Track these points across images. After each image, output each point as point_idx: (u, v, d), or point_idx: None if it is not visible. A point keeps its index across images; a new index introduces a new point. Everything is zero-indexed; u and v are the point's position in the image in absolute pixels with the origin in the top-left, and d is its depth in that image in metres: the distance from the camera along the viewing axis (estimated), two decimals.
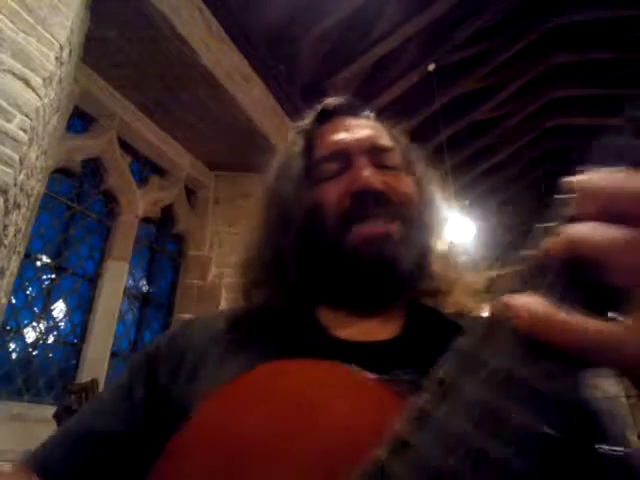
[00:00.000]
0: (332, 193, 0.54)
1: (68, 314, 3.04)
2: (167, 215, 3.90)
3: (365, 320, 0.53)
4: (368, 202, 0.52)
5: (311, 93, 4.04)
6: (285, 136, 3.84)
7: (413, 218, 0.54)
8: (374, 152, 0.57)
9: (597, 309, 0.22)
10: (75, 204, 3.16)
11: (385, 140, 0.60)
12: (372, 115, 0.65)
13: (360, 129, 0.60)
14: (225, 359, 0.49)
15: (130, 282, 3.47)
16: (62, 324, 3.01)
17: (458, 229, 3.98)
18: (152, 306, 3.71)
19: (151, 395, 0.49)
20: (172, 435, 0.37)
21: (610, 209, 0.23)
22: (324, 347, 0.47)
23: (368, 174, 0.53)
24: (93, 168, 3.36)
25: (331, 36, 3.81)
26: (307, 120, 0.64)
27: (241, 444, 0.34)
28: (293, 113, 3.87)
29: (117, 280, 3.25)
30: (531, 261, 0.25)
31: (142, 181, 3.68)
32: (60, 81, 1.97)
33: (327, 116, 0.63)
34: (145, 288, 3.70)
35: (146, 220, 3.69)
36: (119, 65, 2.94)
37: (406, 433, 0.24)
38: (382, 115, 0.67)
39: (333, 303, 0.54)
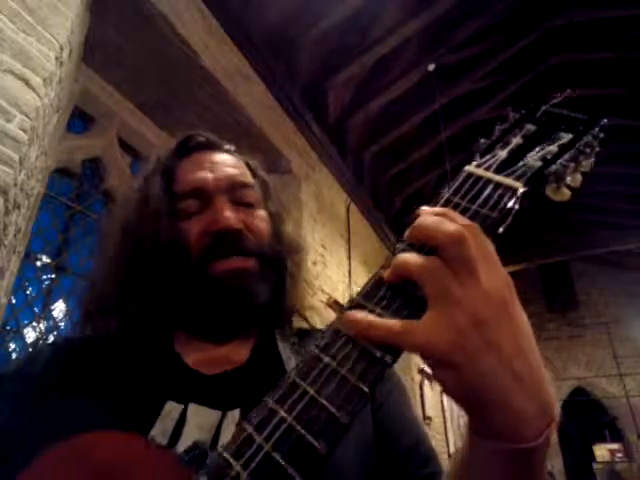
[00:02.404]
0: (193, 231, 0.57)
1: (68, 314, 3.04)
2: None
3: (219, 346, 0.57)
4: (228, 241, 0.56)
5: (311, 93, 4.04)
6: (285, 136, 3.84)
7: (268, 252, 0.60)
8: (233, 189, 0.60)
9: (410, 311, 0.32)
10: (75, 204, 3.16)
11: (244, 177, 0.64)
12: (232, 149, 0.69)
13: (220, 166, 0.62)
14: (66, 407, 0.49)
15: None
16: (62, 324, 3.00)
17: None
18: None
19: None
20: None
21: (423, 240, 0.34)
22: (176, 384, 0.51)
23: (228, 214, 0.56)
24: (93, 168, 3.36)
25: (331, 36, 3.81)
26: (166, 154, 0.66)
27: None
28: (293, 113, 3.87)
29: None
30: (373, 279, 0.36)
31: None
32: (60, 81, 1.97)
33: (187, 151, 0.65)
34: None
35: None
36: (119, 65, 2.94)
37: (252, 430, 0.30)
38: (242, 150, 0.70)
39: (190, 330, 0.58)
